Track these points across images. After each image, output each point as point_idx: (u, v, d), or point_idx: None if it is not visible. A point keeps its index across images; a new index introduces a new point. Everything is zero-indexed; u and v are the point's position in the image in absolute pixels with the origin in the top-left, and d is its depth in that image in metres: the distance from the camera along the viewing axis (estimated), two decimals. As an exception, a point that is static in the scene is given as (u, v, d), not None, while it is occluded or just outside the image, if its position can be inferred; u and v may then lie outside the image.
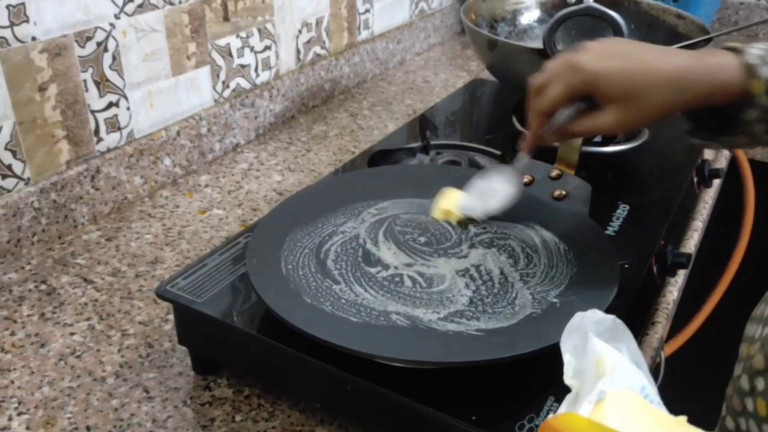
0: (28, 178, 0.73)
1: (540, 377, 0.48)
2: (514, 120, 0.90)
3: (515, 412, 0.45)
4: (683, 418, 0.29)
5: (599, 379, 0.31)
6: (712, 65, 0.48)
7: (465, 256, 0.56)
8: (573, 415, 0.29)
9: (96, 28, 0.75)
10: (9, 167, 0.71)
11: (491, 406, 0.46)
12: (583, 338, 0.33)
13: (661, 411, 0.30)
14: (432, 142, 0.82)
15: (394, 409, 0.49)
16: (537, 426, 0.44)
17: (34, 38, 0.70)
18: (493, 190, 0.61)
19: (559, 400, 0.45)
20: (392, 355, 0.45)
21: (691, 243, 0.80)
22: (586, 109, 0.53)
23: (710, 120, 0.53)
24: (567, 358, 0.33)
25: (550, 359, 0.48)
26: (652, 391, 0.32)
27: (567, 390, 0.40)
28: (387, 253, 0.57)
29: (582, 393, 0.31)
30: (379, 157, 0.80)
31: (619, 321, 0.34)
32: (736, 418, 0.46)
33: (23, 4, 0.68)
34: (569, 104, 0.53)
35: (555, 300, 0.50)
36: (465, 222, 0.61)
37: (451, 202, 0.61)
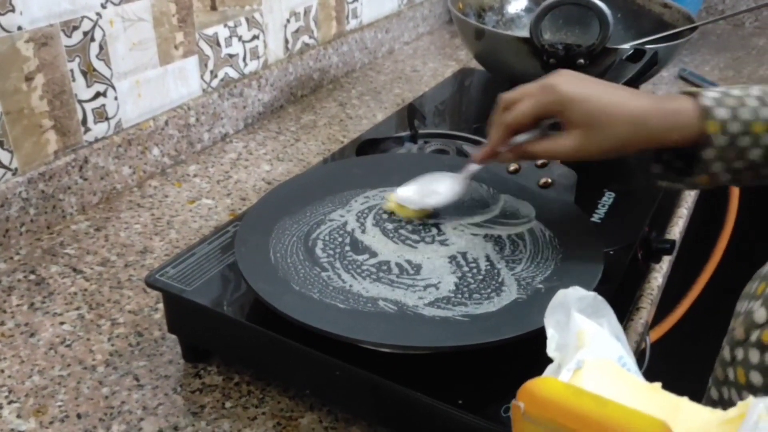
0: (16, 169, 0.73)
1: (525, 361, 0.49)
2: (502, 109, 0.90)
3: (501, 396, 0.46)
4: (658, 385, 0.30)
5: (579, 350, 0.32)
6: (671, 109, 0.52)
7: (451, 244, 0.57)
8: (550, 379, 0.30)
9: (82, 17, 0.75)
10: (-4, 157, 0.71)
11: (477, 390, 0.47)
12: (566, 314, 0.34)
13: (638, 378, 0.31)
14: (420, 131, 0.83)
15: (382, 394, 0.49)
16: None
17: (20, 28, 0.69)
18: (433, 190, 0.61)
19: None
20: (379, 340, 0.46)
21: (676, 230, 0.81)
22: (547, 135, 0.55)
23: (678, 162, 0.56)
24: (550, 332, 0.34)
25: (535, 343, 0.49)
26: (630, 360, 0.33)
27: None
28: (374, 240, 0.57)
29: (563, 364, 0.32)
30: (367, 146, 0.80)
31: (600, 298, 0.35)
32: (720, 387, 0.48)
33: (8, -7, 0.67)
34: (534, 124, 0.55)
35: (540, 286, 0.51)
36: (421, 217, 0.60)
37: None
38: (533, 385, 0.29)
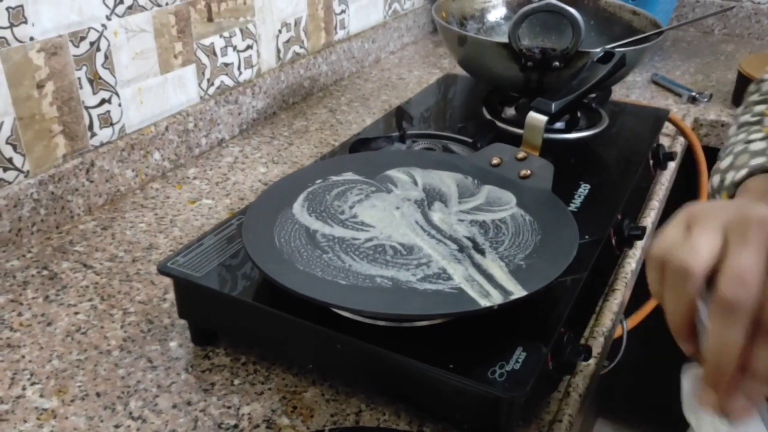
0: (28, 171, 0.77)
1: (508, 329, 0.54)
2: (484, 111, 0.96)
3: (487, 360, 0.51)
4: None
5: None
6: None
7: (441, 229, 0.62)
8: None
9: (89, 28, 0.80)
10: (10, 160, 0.75)
11: (466, 355, 0.52)
12: None
13: None
14: (408, 132, 0.88)
15: (380, 364, 0.54)
16: (507, 372, 0.50)
17: (32, 38, 0.74)
18: None
19: (527, 350, 0.51)
20: (378, 310, 0.51)
21: (648, 220, 0.87)
22: None
23: None
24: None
25: (517, 312, 0.54)
26: None
27: (533, 339, 0.52)
28: (369, 222, 0.62)
29: None
30: (359, 144, 0.85)
31: None
32: None
33: (22, 6, 0.72)
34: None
35: (521, 262, 0.56)
36: None
37: None
38: None
